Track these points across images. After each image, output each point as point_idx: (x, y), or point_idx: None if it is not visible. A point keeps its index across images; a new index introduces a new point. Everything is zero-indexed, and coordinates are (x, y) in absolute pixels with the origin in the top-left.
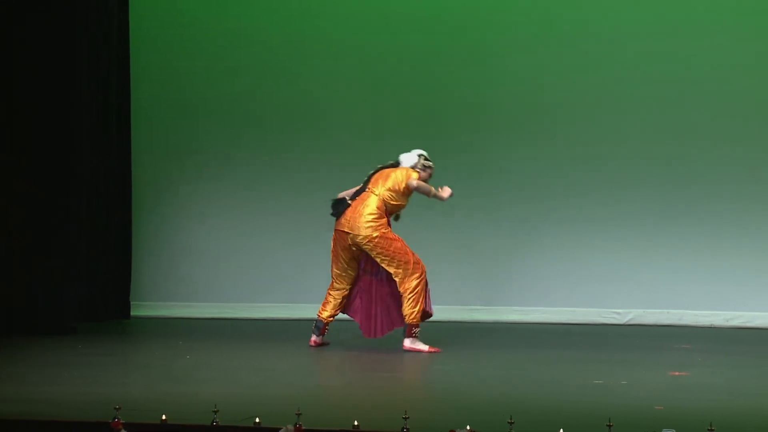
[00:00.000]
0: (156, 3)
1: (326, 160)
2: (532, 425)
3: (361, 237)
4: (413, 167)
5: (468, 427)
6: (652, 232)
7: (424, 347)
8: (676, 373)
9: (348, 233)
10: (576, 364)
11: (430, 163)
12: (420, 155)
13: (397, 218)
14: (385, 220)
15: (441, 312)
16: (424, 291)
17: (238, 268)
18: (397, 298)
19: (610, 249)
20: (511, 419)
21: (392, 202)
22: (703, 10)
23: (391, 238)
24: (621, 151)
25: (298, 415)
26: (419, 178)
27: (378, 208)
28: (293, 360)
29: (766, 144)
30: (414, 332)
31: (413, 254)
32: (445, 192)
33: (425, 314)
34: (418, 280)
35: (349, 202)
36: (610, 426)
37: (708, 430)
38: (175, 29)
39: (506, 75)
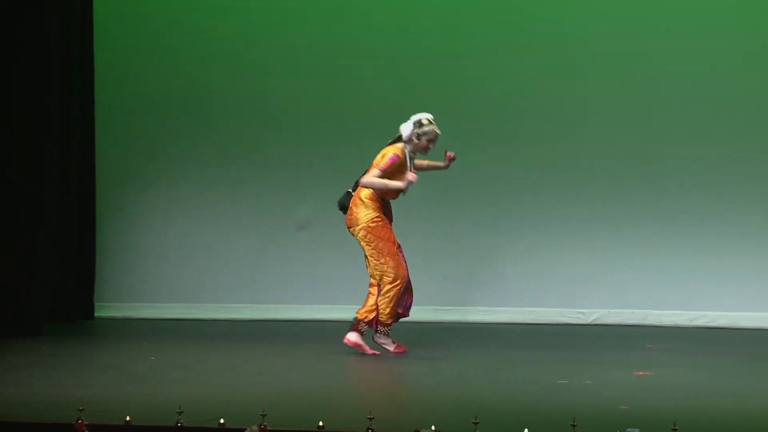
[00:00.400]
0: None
1: (293, 159)
2: (496, 425)
3: (351, 228)
4: (407, 140)
5: (433, 428)
6: (616, 232)
7: (392, 347)
8: (641, 373)
9: (348, 227)
10: (540, 364)
11: (426, 129)
12: (415, 123)
13: (403, 193)
14: (372, 208)
15: (411, 312)
16: (396, 297)
17: (203, 269)
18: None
19: (574, 249)
20: (476, 419)
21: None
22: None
23: (377, 236)
24: (582, 151)
25: (263, 415)
26: (413, 150)
27: (365, 195)
28: (259, 360)
29: (727, 143)
30: (380, 330)
31: (395, 259)
32: (402, 182)
33: (397, 315)
34: (391, 286)
35: (351, 191)
36: (574, 426)
37: (672, 429)
38: (140, 27)
39: (476, 75)
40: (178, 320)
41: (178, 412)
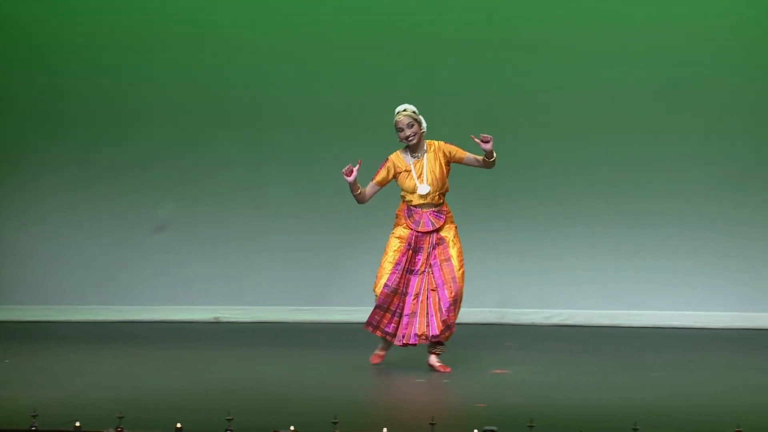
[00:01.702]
0: None
1: (144, 161)
2: (355, 425)
3: None
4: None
5: (292, 428)
6: (472, 232)
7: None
8: (498, 371)
9: None
10: (399, 363)
11: (395, 119)
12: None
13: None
14: (397, 221)
15: (267, 313)
16: (377, 304)
17: (62, 271)
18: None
19: None
20: (335, 419)
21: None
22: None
23: (387, 245)
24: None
25: (120, 418)
26: (408, 148)
27: (398, 209)
28: (116, 362)
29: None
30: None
31: (385, 273)
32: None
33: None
34: (376, 296)
35: None
36: (432, 424)
37: (529, 426)
38: None
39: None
40: (35, 322)
41: (32, 416)
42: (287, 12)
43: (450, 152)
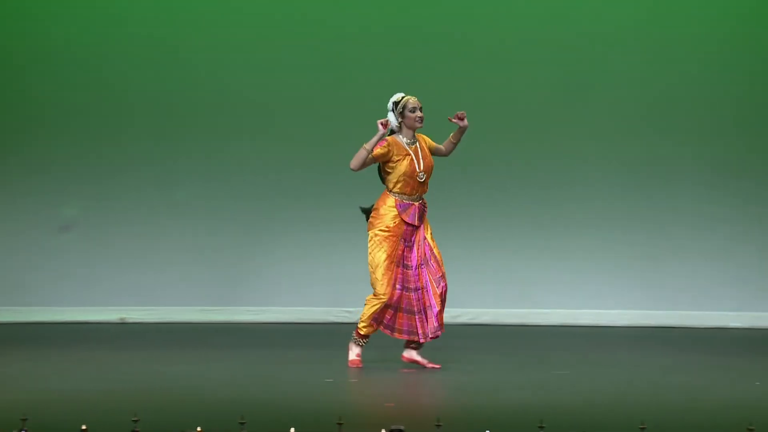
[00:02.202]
0: None
1: (48, 161)
2: (262, 425)
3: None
4: (398, 128)
5: (199, 429)
6: None
7: (352, 355)
8: (406, 371)
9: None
10: (307, 364)
11: (402, 102)
12: (392, 107)
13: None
14: (382, 217)
15: (174, 313)
16: (373, 313)
17: None
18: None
19: (341, 249)
20: (242, 419)
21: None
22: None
23: (375, 243)
24: (344, 154)
25: (24, 420)
26: (409, 134)
27: (388, 203)
28: (21, 364)
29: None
30: (353, 337)
31: (387, 275)
32: (376, 136)
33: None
34: (374, 298)
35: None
36: (340, 424)
37: (436, 425)
38: None
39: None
40: None
41: (22, 419)
42: (194, 10)
43: (431, 143)
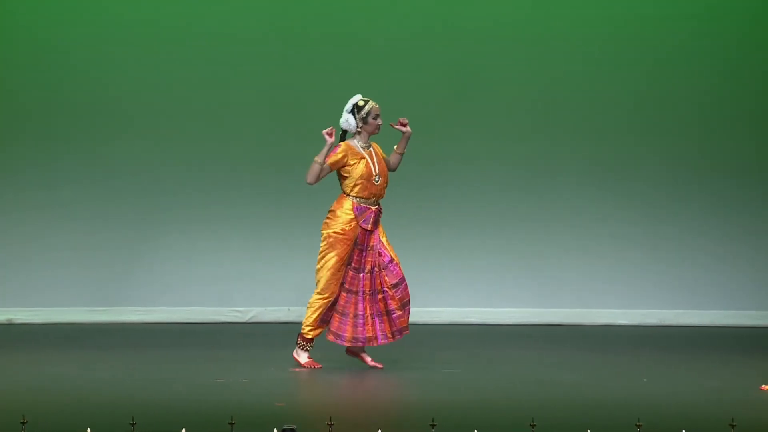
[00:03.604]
0: None
1: None
2: (153, 425)
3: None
4: (355, 131)
5: (88, 430)
6: (265, 230)
7: (302, 359)
8: (297, 370)
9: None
10: (197, 363)
11: (366, 108)
12: (353, 109)
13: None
14: (338, 219)
15: (61, 314)
16: (321, 310)
17: None
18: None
19: (229, 248)
20: (132, 420)
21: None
22: None
23: (328, 245)
24: (230, 150)
25: None
26: (365, 138)
27: (337, 202)
28: None
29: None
30: (299, 343)
31: (335, 276)
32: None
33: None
34: (318, 297)
35: None
36: (232, 424)
37: (328, 424)
38: None
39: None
40: None
41: (21, 422)
42: (72, 10)
43: (383, 153)
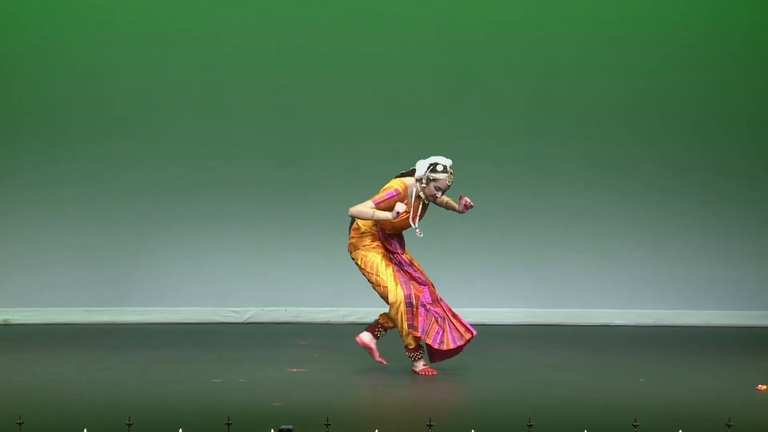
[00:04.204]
0: None
1: None
2: (150, 425)
3: (351, 255)
4: (419, 179)
5: (85, 431)
6: (263, 230)
7: (419, 367)
8: (294, 370)
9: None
10: (195, 363)
11: (438, 176)
12: (431, 165)
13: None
14: (363, 236)
15: (59, 314)
16: (403, 318)
17: None
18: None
19: (227, 248)
20: (129, 420)
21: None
22: None
23: (363, 255)
24: (229, 150)
25: None
26: (422, 191)
27: (365, 225)
28: None
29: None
30: (409, 355)
31: (391, 278)
32: (393, 212)
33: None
34: (397, 312)
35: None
36: (229, 424)
37: (324, 424)
38: None
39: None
40: None
41: (18, 423)
42: (72, 9)
43: (446, 199)
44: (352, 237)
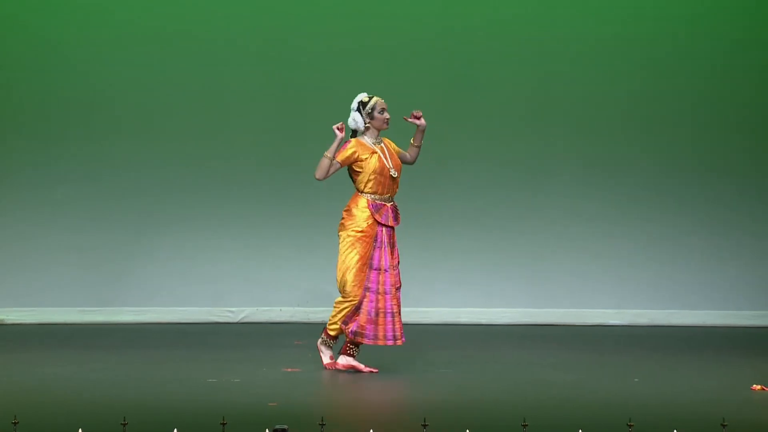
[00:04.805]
0: None
1: None
2: (145, 425)
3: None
4: (365, 128)
5: (80, 431)
6: (258, 230)
7: (326, 359)
8: (289, 370)
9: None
10: (190, 363)
11: (371, 102)
12: (358, 107)
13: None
14: (355, 218)
15: (54, 314)
16: (343, 316)
17: None
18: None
19: (221, 248)
20: (124, 420)
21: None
22: None
23: (347, 245)
24: (228, 150)
25: None
26: (375, 134)
27: (351, 200)
28: None
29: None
30: (322, 338)
31: (358, 276)
32: (337, 138)
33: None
34: (343, 300)
35: None
36: (224, 424)
37: (320, 424)
38: None
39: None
40: None
41: (13, 423)
42: (71, 9)
43: (396, 148)
44: (344, 218)
